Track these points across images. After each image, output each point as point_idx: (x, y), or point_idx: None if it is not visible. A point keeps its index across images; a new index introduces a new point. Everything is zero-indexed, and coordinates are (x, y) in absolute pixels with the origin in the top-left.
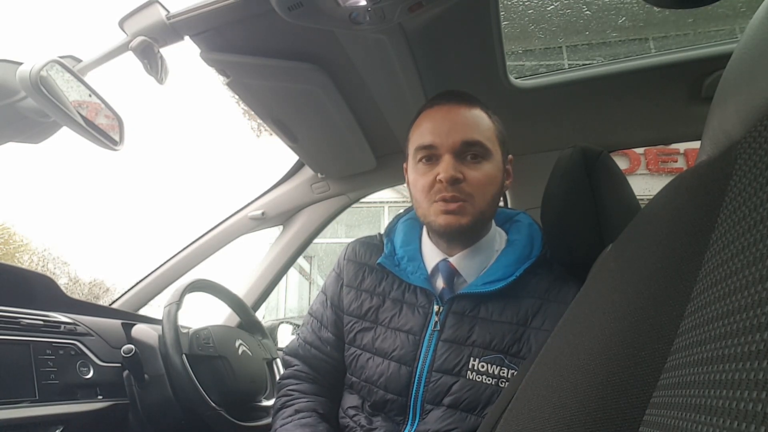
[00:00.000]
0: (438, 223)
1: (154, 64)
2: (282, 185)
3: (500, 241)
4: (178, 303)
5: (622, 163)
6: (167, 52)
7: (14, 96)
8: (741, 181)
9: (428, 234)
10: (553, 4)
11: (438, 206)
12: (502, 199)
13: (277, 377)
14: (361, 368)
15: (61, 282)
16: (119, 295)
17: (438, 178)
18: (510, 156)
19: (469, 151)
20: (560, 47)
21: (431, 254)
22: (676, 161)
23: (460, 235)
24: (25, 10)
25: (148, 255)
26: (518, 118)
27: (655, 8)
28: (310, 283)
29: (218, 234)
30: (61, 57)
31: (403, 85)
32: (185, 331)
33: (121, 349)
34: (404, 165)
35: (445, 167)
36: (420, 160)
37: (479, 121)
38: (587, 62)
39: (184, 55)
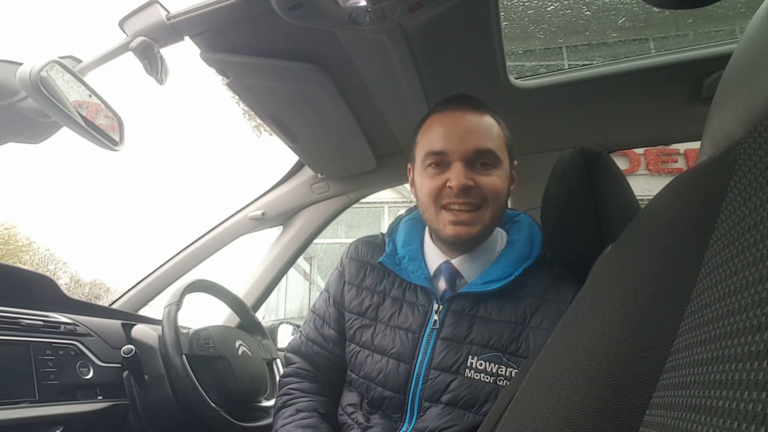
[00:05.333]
0: (447, 233)
1: (154, 65)
2: (282, 185)
3: (501, 242)
4: (178, 303)
5: (622, 163)
6: (167, 52)
7: (14, 96)
8: (741, 181)
9: (431, 236)
10: (553, 5)
11: (447, 216)
12: None
13: (277, 378)
14: (360, 365)
15: (62, 282)
16: (119, 295)
17: (448, 185)
18: (515, 162)
19: (480, 159)
20: (560, 48)
21: (433, 255)
22: (676, 161)
23: (468, 245)
24: (25, 10)
25: (148, 255)
26: (518, 119)
27: (655, 8)
28: (310, 283)
29: (218, 234)
30: (61, 57)
31: (403, 85)
32: (185, 331)
33: (121, 349)
34: (408, 166)
35: (456, 175)
36: (429, 164)
37: (491, 129)
38: (587, 62)
39: (184, 55)
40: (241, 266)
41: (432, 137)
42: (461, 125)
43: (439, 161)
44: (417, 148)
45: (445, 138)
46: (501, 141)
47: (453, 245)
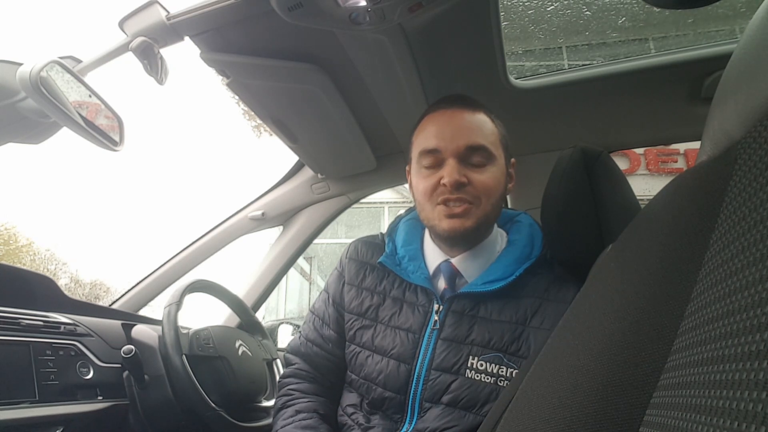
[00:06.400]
0: (442, 227)
1: (154, 65)
2: (282, 186)
3: (501, 242)
4: (178, 303)
5: (622, 163)
6: (167, 52)
7: (14, 96)
8: (741, 181)
9: (430, 235)
10: (553, 5)
11: (442, 210)
12: None
13: (278, 378)
14: (361, 366)
15: (62, 282)
16: (119, 295)
17: (442, 182)
18: (513, 159)
19: (473, 156)
20: (560, 48)
21: (433, 255)
22: (676, 161)
23: (464, 239)
24: (25, 10)
25: (148, 255)
26: (518, 119)
27: (655, 8)
28: (310, 283)
29: (218, 234)
30: (61, 57)
31: (403, 85)
32: (185, 331)
33: (121, 349)
34: (407, 168)
35: (449, 171)
36: (424, 163)
37: (483, 126)
38: (587, 62)
39: (184, 55)
40: (241, 266)
41: (425, 136)
42: (453, 123)
43: (433, 159)
44: (412, 148)
45: (438, 136)
46: (495, 137)
47: (450, 240)
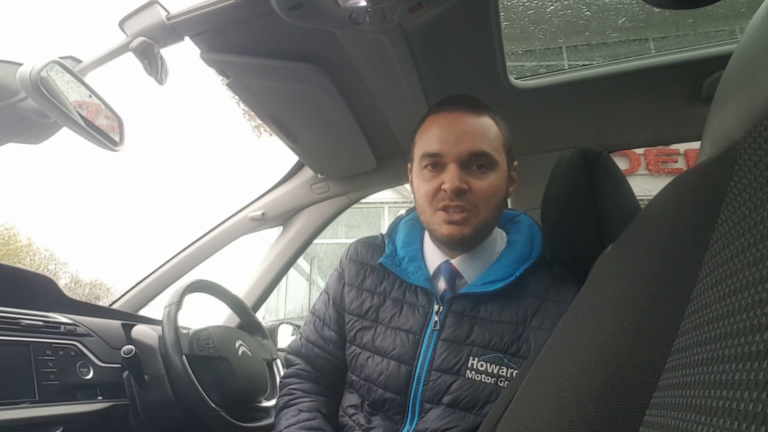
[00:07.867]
0: (441, 232)
1: (154, 65)
2: (282, 186)
3: (501, 242)
4: (178, 303)
5: (622, 164)
6: (167, 52)
7: (14, 96)
8: (741, 181)
9: (430, 236)
10: (553, 5)
11: (441, 216)
12: None
13: (278, 378)
14: (361, 367)
15: (62, 282)
16: (119, 295)
17: (443, 187)
18: (515, 162)
19: (476, 162)
20: (560, 48)
21: (433, 256)
22: (676, 161)
23: (462, 245)
24: (25, 10)
25: (148, 255)
26: (518, 119)
27: (655, 9)
28: (310, 283)
29: (218, 235)
30: (61, 58)
31: (403, 86)
32: (185, 331)
33: (121, 349)
34: (408, 166)
35: (450, 177)
36: (425, 166)
37: (487, 131)
38: (587, 62)
39: (184, 55)
40: (241, 266)
41: (428, 139)
42: (457, 127)
43: (435, 163)
44: (415, 149)
45: (441, 140)
46: (498, 142)
47: (449, 245)
